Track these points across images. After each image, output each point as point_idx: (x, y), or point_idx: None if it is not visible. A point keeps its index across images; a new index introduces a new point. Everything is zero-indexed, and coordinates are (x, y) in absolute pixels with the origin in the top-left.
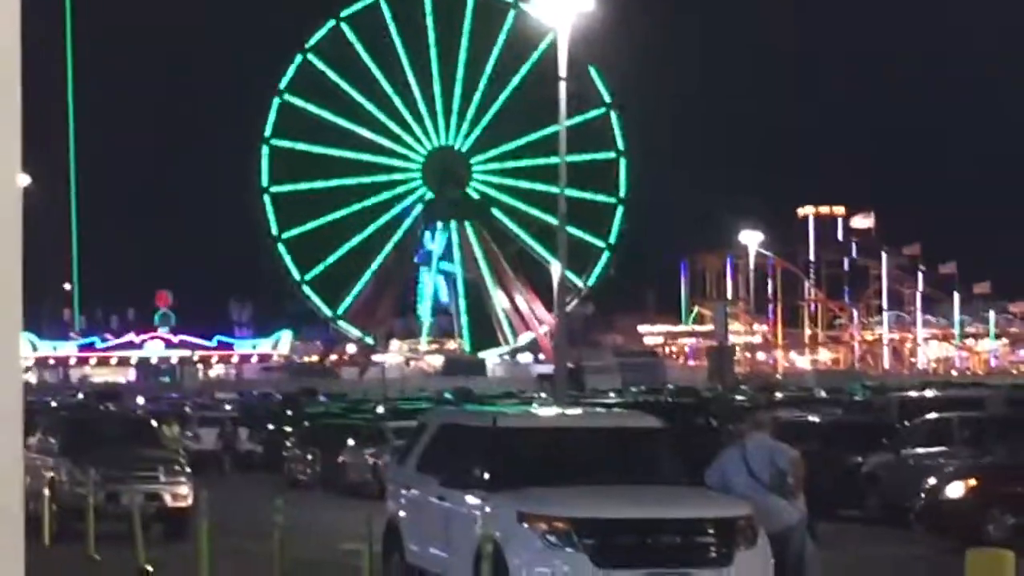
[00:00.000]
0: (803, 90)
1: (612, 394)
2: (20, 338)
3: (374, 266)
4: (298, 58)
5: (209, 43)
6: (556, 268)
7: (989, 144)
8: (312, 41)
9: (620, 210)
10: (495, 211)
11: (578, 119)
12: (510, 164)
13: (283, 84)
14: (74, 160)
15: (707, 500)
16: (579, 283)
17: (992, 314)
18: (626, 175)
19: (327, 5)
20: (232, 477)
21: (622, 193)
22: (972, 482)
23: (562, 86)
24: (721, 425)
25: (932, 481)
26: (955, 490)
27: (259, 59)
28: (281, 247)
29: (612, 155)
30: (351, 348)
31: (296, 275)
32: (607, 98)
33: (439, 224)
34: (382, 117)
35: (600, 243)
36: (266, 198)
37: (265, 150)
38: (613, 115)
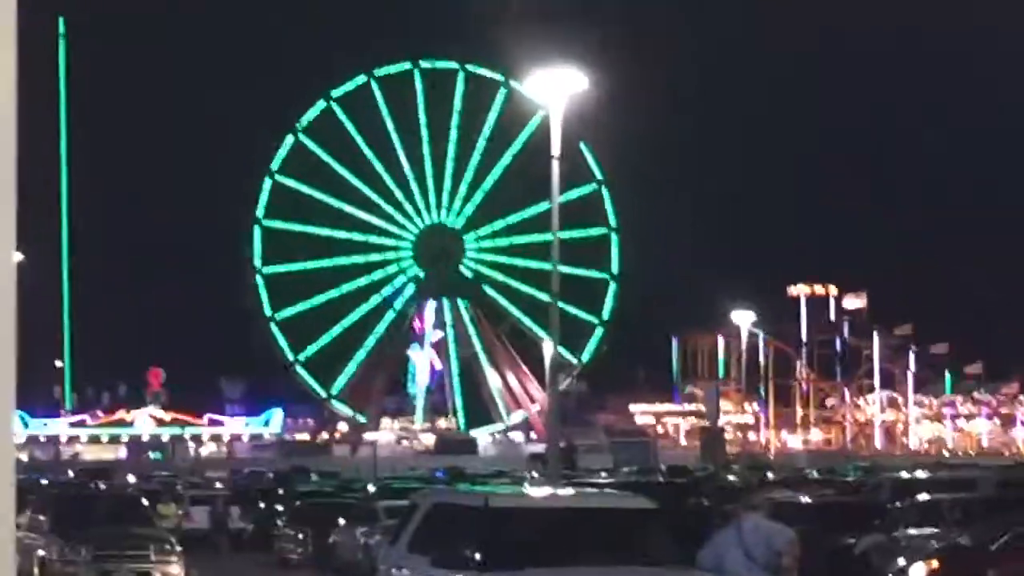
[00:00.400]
0: (796, 168)
1: (604, 474)
2: (13, 416)
3: (367, 345)
4: (289, 138)
5: (201, 122)
6: (548, 346)
7: (982, 227)
8: (304, 122)
9: (613, 286)
10: (487, 288)
11: (570, 195)
12: (502, 241)
13: (275, 165)
14: (66, 238)
15: None
16: (573, 359)
17: (984, 395)
18: (618, 251)
19: (318, 86)
20: (223, 557)
21: (615, 269)
22: (934, 563)
23: (555, 165)
24: (713, 505)
25: (901, 562)
26: (917, 571)
27: (250, 139)
28: (274, 327)
29: (604, 231)
30: (343, 426)
31: (289, 355)
32: (598, 174)
33: (432, 302)
34: (374, 196)
35: (594, 319)
36: (259, 279)
37: (257, 230)
38: (604, 191)
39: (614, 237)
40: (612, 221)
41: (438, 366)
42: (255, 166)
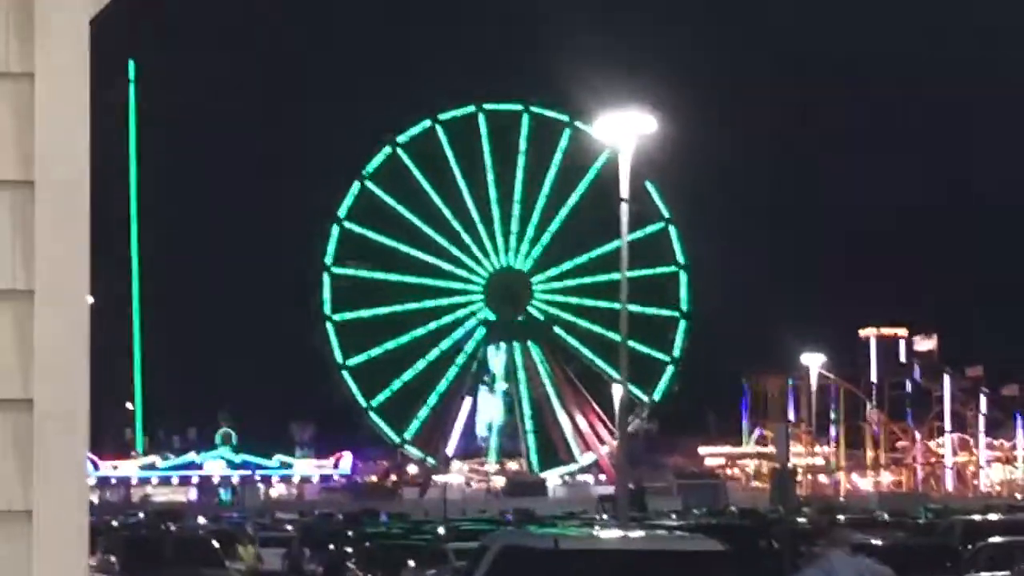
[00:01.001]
0: (865, 210)
1: (673, 516)
2: (85, 461)
3: (439, 389)
4: (356, 185)
5: (268, 171)
6: (618, 388)
7: None
8: (370, 168)
9: (683, 324)
10: (557, 329)
11: (637, 234)
12: (570, 282)
13: (342, 212)
14: (137, 284)
15: None
16: (644, 398)
17: None
18: (687, 289)
19: (383, 132)
20: None
21: (684, 307)
22: None
23: (624, 207)
24: (783, 547)
25: None
26: None
27: (317, 186)
28: (346, 374)
29: (673, 269)
30: (412, 468)
31: (362, 402)
32: (665, 213)
33: (503, 344)
34: (442, 241)
35: (664, 357)
36: (328, 326)
37: (326, 278)
38: (672, 229)
39: (683, 275)
40: (680, 259)
41: (507, 408)
42: (323, 213)
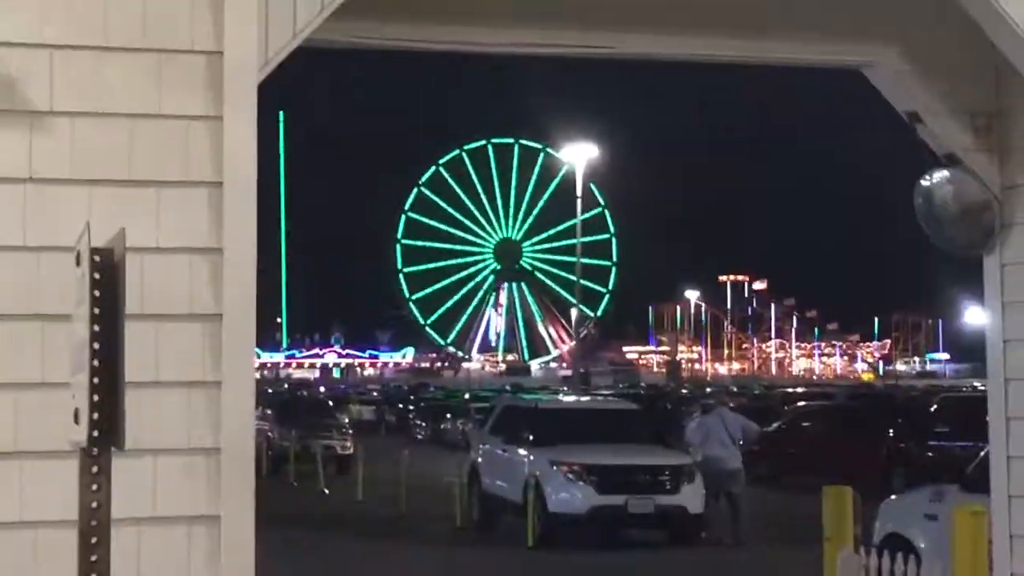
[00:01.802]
0: (727, 194)
1: (606, 389)
2: (253, 352)
3: (467, 312)
4: (415, 190)
5: (365, 181)
6: (575, 310)
7: (851, 227)
8: (423, 179)
9: (614, 270)
10: (538, 274)
11: (586, 216)
12: (546, 246)
13: (407, 206)
14: (284, 249)
15: (664, 454)
16: (591, 314)
17: (837, 342)
18: (616, 248)
19: (432, 157)
20: (382, 438)
21: (615, 259)
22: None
23: (579, 202)
24: (673, 408)
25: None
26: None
27: (394, 189)
28: (412, 305)
29: (607, 236)
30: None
31: (421, 320)
32: (602, 202)
33: (505, 284)
34: (467, 223)
35: (603, 290)
36: (401, 276)
37: (398, 247)
38: (607, 212)
39: (613, 240)
40: (612, 229)
41: (509, 321)
42: (396, 207)
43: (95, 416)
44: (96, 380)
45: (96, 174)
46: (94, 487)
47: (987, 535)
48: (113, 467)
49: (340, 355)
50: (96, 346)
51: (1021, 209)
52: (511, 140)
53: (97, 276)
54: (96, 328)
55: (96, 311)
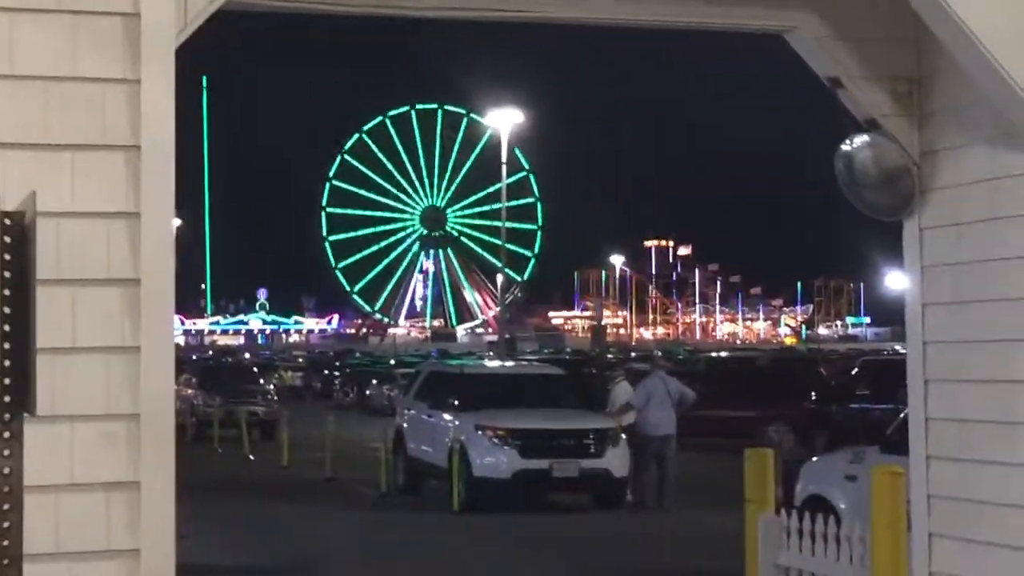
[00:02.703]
0: (652, 157)
1: (531, 355)
2: (173, 317)
3: (394, 278)
4: (339, 157)
5: (288, 145)
6: (500, 275)
7: (773, 192)
8: (347, 146)
9: (539, 233)
10: (464, 239)
11: (509, 181)
12: (471, 211)
13: (331, 173)
14: (207, 208)
15: (589, 418)
16: (518, 278)
17: (761, 306)
18: (541, 213)
19: (356, 123)
20: (307, 404)
21: (539, 223)
22: None
23: (503, 168)
24: (598, 373)
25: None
26: None
27: (318, 157)
28: (339, 272)
29: (532, 200)
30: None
31: (349, 288)
32: (526, 166)
33: (431, 251)
34: (394, 190)
35: (528, 253)
36: (327, 244)
37: (323, 215)
38: (531, 177)
39: (538, 204)
40: (536, 193)
41: (435, 287)
42: (320, 174)
43: (6, 381)
44: (6, 345)
45: (10, 138)
46: (5, 452)
47: (906, 495)
48: (29, 434)
49: (265, 321)
50: (6, 311)
51: (939, 174)
52: (435, 105)
53: (7, 240)
54: (6, 292)
55: (6, 275)
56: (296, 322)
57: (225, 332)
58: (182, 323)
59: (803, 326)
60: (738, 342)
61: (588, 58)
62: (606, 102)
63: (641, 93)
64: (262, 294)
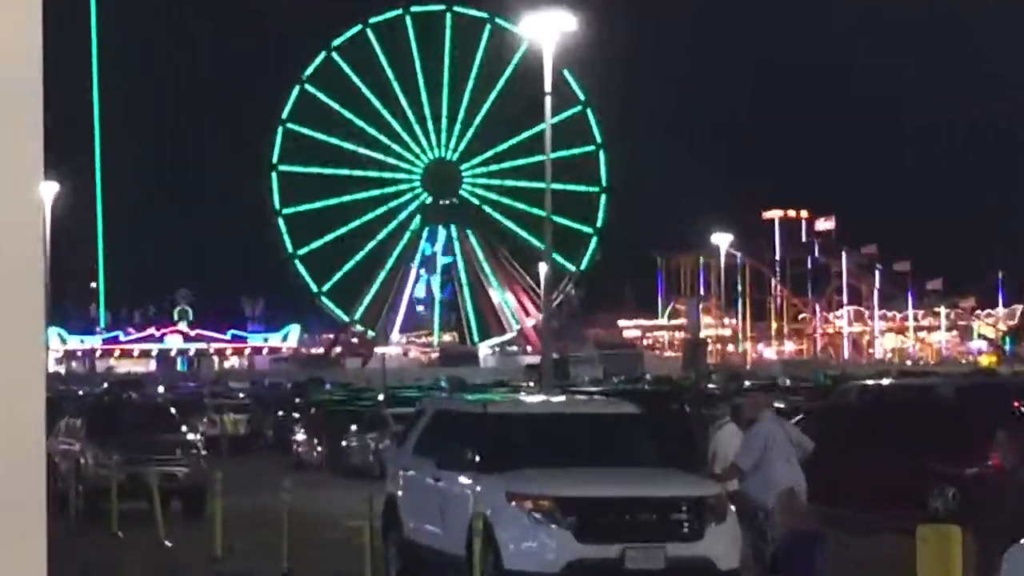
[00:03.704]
0: (772, 97)
1: (592, 384)
2: (44, 332)
3: (384, 271)
4: (296, 89)
5: (216, 73)
6: (544, 266)
7: (943, 152)
8: (308, 72)
9: (604, 197)
10: (488, 209)
11: (556, 119)
12: (497, 167)
13: (285, 113)
14: (99, 168)
15: (680, 480)
16: (571, 267)
17: (943, 308)
18: (606, 166)
19: (319, 37)
20: (254, 460)
21: (604, 182)
22: None
23: (547, 101)
24: (693, 411)
25: None
26: None
27: (260, 89)
28: (298, 263)
29: (591, 148)
30: (355, 340)
31: (313, 287)
32: (582, 96)
33: (440, 227)
34: (379, 136)
35: (588, 229)
36: (280, 220)
37: (274, 176)
38: (589, 112)
39: (601, 153)
40: (598, 138)
41: (443, 285)
42: (268, 115)
43: None
44: None
45: None
46: None
47: None
48: None
49: (188, 337)
50: None
51: None
52: (441, 7)
53: None
54: None
55: None
56: (235, 338)
57: (128, 354)
58: (62, 341)
59: (1007, 338)
60: (908, 362)
61: None
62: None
63: None
64: (183, 297)
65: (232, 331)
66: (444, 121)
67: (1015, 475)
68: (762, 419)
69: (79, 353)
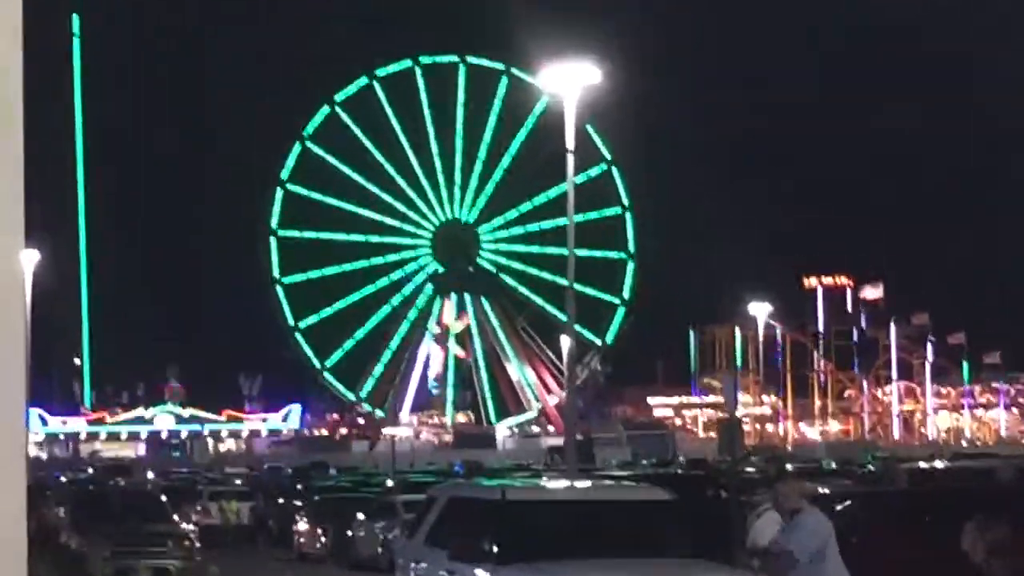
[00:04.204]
0: (809, 158)
1: (621, 467)
2: (24, 412)
3: (392, 345)
4: (297, 147)
5: (211, 131)
6: (567, 339)
7: (999, 215)
8: (309, 129)
9: (631, 265)
10: (506, 277)
11: (580, 178)
12: (517, 230)
13: (284, 174)
14: (84, 236)
15: (714, 574)
16: (597, 341)
17: (1002, 384)
18: (633, 230)
19: (320, 91)
20: (252, 554)
21: (631, 248)
22: None
23: (570, 159)
24: (731, 497)
25: None
26: None
27: (259, 148)
28: (299, 336)
29: (617, 211)
30: (361, 421)
31: (316, 363)
32: (607, 155)
33: (453, 297)
34: (386, 197)
35: (614, 299)
36: (279, 288)
37: (273, 241)
38: (615, 171)
39: (628, 216)
40: (625, 200)
41: (462, 355)
42: (266, 176)
43: None
44: None
45: None
46: None
47: None
48: None
49: (180, 418)
50: None
51: None
52: (453, 57)
53: None
54: None
55: None
56: (231, 419)
57: (115, 437)
58: (44, 423)
59: None
60: (963, 443)
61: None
62: (738, 46)
63: (796, 27)
64: (174, 375)
65: (228, 411)
66: (457, 181)
67: None
68: (807, 508)
69: (62, 436)
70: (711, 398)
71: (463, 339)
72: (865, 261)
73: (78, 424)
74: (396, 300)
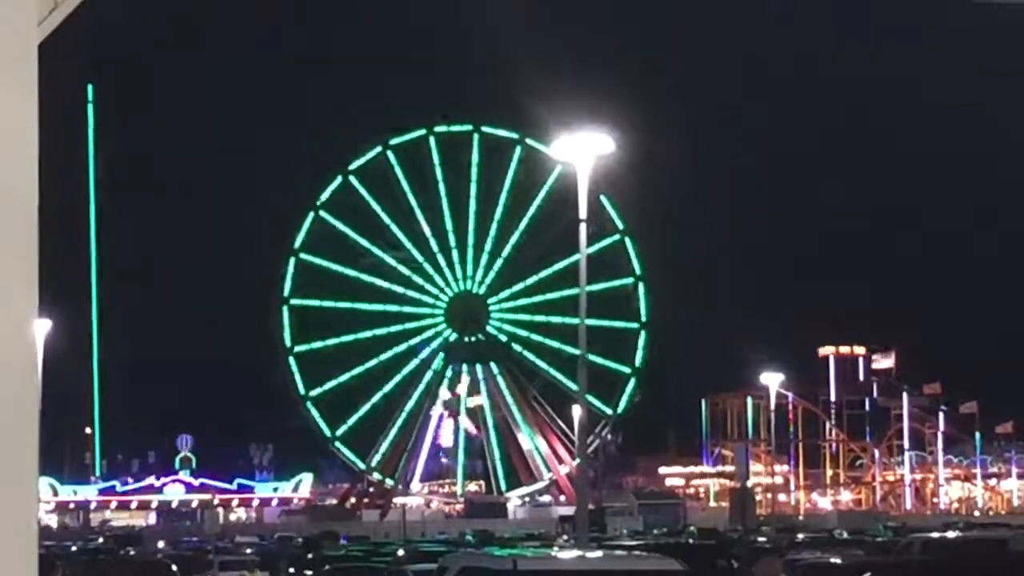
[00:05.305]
0: (822, 227)
1: (632, 536)
2: (35, 482)
3: (403, 415)
4: (310, 216)
5: (220, 201)
6: (578, 409)
7: (1010, 284)
8: (323, 198)
9: (643, 335)
10: (517, 347)
11: (593, 248)
12: (527, 301)
13: (297, 243)
14: (96, 307)
15: None
16: (608, 411)
17: (1014, 454)
18: (646, 300)
19: (335, 160)
20: None
21: (644, 317)
22: None
23: (583, 228)
24: (743, 567)
25: None
26: None
27: (272, 218)
28: (310, 405)
29: (630, 280)
30: (372, 490)
31: (327, 432)
32: (620, 225)
33: (465, 367)
34: (400, 268)
35: (626, 369)
36: (290, 358)
37: (285, 311)
38: (628, 241)
39: (641, 286)
40: (637, 270)
41: (473, 431)
42: (279, 245)
43: None
44: None
45: None
46: None
47: None
48: None
49: (191, 487)
50: None
51: None
52: (468, 127)
53: None
54: None
55: None
56: (242, 488)
57: (125, 506)
58: (54, 493)
59: None
60: (976, 513)
61: (717, 46)
62: (750, 119)
63: (808, 103)
64: (185, 444)
65: (239, 480)
66: (470, 251)
67: None
68: None
69: (72, 505)
70: (722, 467)
71: (474, 414)
72: (877, 330)
73: (89, 493)
74: (408, 368)
